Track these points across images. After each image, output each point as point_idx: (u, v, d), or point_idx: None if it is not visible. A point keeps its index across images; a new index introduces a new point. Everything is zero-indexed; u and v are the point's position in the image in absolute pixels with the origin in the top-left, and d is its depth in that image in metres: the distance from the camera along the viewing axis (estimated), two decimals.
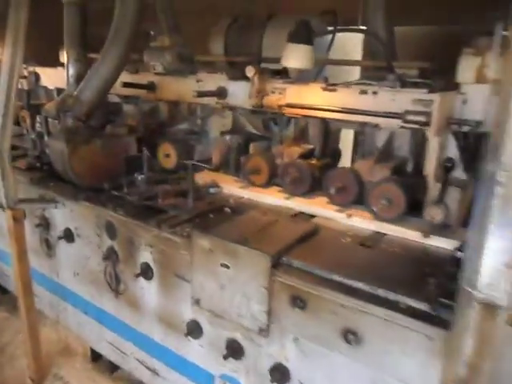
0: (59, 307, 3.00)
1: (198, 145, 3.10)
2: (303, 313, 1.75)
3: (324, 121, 2.57)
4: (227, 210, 2.35)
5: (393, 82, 2.16)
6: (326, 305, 1.69)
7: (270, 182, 2.62)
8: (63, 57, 3.93)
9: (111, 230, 2.39)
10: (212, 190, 2.61)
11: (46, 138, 3.18)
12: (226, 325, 1.99)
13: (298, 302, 1.75)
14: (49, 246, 2.91)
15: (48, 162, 2.99)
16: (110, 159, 2.79)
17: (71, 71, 3.27)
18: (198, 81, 2.93)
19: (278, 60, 2.73)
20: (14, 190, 2.47)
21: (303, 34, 2.44)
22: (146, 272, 2.27)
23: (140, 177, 2.44)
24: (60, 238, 2.68)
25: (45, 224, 2.86)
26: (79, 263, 2.71)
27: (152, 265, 2.24)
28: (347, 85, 2.34)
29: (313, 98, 2.44)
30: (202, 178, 2.73)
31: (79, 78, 3.25)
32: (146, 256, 2.26)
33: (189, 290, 2.09)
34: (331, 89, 2.34)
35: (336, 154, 2.83)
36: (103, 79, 2.65)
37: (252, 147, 2.81)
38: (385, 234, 2.11)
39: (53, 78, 4.07)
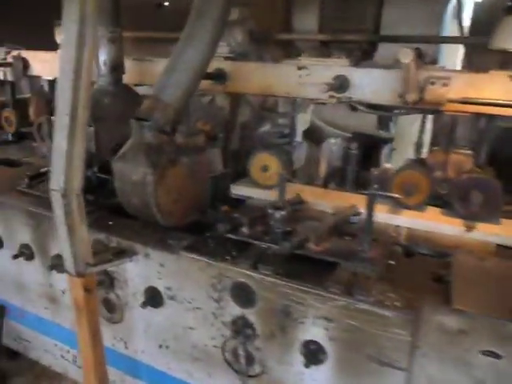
0: None
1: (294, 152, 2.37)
2: None
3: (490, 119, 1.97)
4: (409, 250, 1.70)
5: None
6: None
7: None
8: (60, 36, 2.99)
9: (244, 295, 1.64)
10: (355, 219, 1.93)
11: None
12: None
13: None
14: (112, 309, 2.07)
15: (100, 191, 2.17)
16: (195, 182, 1.99)
17: (103, 57, 2.35)
18: (300, 68, 2.17)
19: (407, 38, 2.08)
20: (88, 250, 1.61)
21: None
22: (314, 354, 1.56)
23: (279, 213, 1.68)
24: (145, 303, 1.86)
25: (107, 280, 2.01)
26: (171, 333, 1.92)
27: (325, 344, 1.54)
28: None
29: (493, 90, 1.82)
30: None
31: (115, 66, 2.37)
32: (314, 333, 1.55)
33: (397, 380, 1.44)
34: None
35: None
36: (192, 71, 1.81)
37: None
38: None
39: (50, 65, 3.04)
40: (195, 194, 1.98)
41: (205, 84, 2.44)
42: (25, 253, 2.24)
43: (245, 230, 1.75)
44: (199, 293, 1.76)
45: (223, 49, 2.48)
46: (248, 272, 1.60)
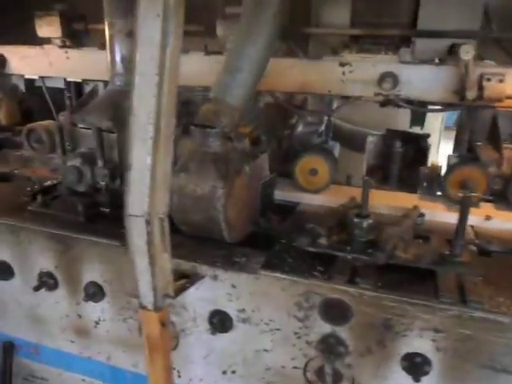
0: None
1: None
2: None
3: None
4: None
5: None
6: None
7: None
8: (43, 29, 2.65)
9: (337, 312, 1.52)
10: (419, 221, 1.88)
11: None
12: None
13: None
14: None
15: None
16: (251, 191, 1.82)
17: (120, 52, 2.08)
18: (342, 64, 2.07)
19: (446, 33, 2.07)
20: (169, 280, 1.39)
21: None
22: (418, 366, 1.49)
23: (366, 222, 1.57)
24: (210, 328, 1.67)
25: None
26: (239, 358, 1.76)
27: (431, 355, 1.48)
28: None
29: None
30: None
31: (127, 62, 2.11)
32: (418, 345, 1.47)
33: None
34: None
35: None
36: (256, 69, 1.64)
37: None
38: None
39: (33, 61, 2.67)
40: (251, 203, 1.82)
41: None
42: (46, 282, 1.95)
43: (323, 241, 1.63)
44: (280, 313, 1.61)
45: None
46: (344, 287, 1.49)
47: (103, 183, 2.03)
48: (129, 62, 2.09)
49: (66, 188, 2.11)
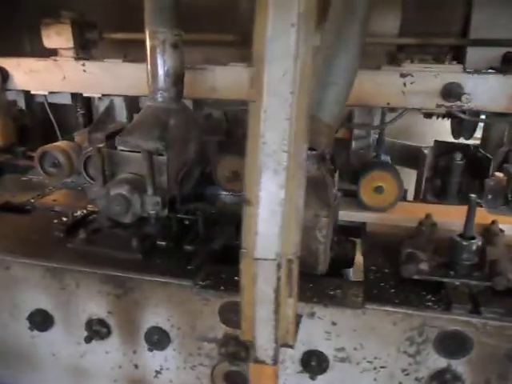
0: None
1: None
2: None
3: None
4: None
5: None
6: None
7: None
8: (51, 39, 2.38)
9: (453, 345, 1.39)
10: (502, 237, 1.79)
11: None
12: None
13: None
14: None
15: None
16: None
17: (165, 65, 1.87)
18: (403, 75, 1.97)
19: (501, 42, 2.04)
20: (292, 329, 1.19)
21: None
22: None
23: (476, 243, 1.44)
24: (308, 368, 1.49)
25: (241, 351, 1.58)
26: None
27: None
28: None
29: None
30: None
31: (179, 76, 1.91)
32: None
33: None
34: None
35: None
36: (349, 81, 1.48)
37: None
38: None
39: (44, 76, 2.37)
40: None
41: None
42: (98, 331, 1.68)
43: (424, 266, 1.51)
44: (387, 349, 1.46)
45: None
46: (466, 318, 1.37)
47: (153, 212, 1.80)
48: (175, 76, 1.89)
49: (107, 219, 1.86)
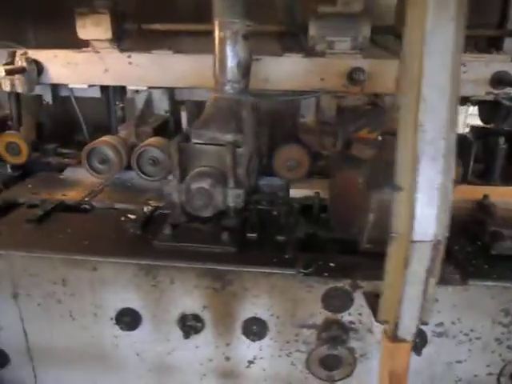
0: None
1: None
2: None
3: None
4: None
5: None
6: None
7: None
8: (87, 30, 2.29)
9: None
10: None
11: None
12: None
13: None
14: (335, 366, 1.69)
15: None
16: None
17: (236, 57, 1.86)
18: None
19: None
20: (430, 308, 1.25)
21: None
22: None
23: None
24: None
25: (341, 334, 1.63)
26: (425, 375, 1.68)
27: None
28: None
29: None
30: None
31: (247, 67, 1.91)
32: None
33: None
34: None
35: None
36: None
37: None
38: None
39: (84, 68, 2.26)
40: None
41: (336, 85, 2.17)
42: (193, 326, 1.67)
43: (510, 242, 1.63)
44: (483, 322, 1.58)
45: (343, 44, 2.22)
46: None
47: (233, 205, 1.80)
48: (245, 68, 1.88)
49: (183, 214, 1.83)
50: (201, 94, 2.47)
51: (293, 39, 2.63)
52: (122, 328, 1.70)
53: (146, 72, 2.24)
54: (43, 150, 2.52)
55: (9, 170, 2.44)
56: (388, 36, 2.43)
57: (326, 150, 2.23)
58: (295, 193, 2.19)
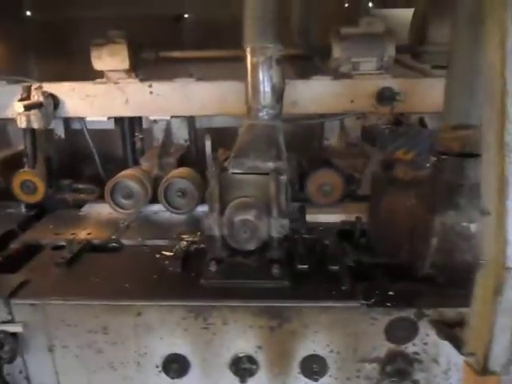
0: None
1: None
2: None
3: None
4: None
5: None
6: None
7: None
8: (103, 60, 2.23)
9: None
10: None
11: None
12: None
13: None
14: None
15: None
16: None
17: (270, 81, 1.80)
18: None
19: None
20: None
21: None
22: None
23: None
24: None
25: (406, 367, 1.54)
26: None
27: None
28: None
29: None
30: None
31: (281, 92, 1.86)
32: None
33: None
34: None
35: None
36: None
37: None
38: None
39: (104, 100, 2.18)
40: None
41: (366, 106, 2.15)
42: (248, 369, 1.55)
43: None
44: None
45: (368, 65, 2.20)
46: None
47: (276, 236, 1.72)
48: (279, 93, 1.83)
49: (224, 248, 1.73)
50: (220, 121, 2.43)
51: (306, 62, 2.62)
52: (169, 376, 1.58)
53: (168, 101, 2.18)
54: (57, 187, 2.40)
55: (23, 210, 2.31)
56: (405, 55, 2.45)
57: (358, 172, 2.19)
58: (327, 218, 2.13)
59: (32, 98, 2.08)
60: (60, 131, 2.42)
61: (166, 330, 1.55)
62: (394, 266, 1.72)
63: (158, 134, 2.40)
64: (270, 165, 1.72)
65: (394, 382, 1.57)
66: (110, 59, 2.21)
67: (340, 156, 2.21)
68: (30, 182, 2.21)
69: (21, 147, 2.43)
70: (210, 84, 2.16)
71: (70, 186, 2.41)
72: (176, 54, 2.39)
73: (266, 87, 1.80)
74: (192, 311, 1.52)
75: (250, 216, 1.66)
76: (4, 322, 1.55)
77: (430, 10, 2.29)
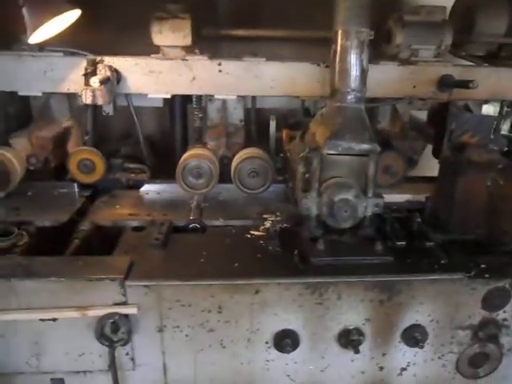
0: None
1: None
2: None
3: None
4: None
5: None
6: None
7: None
8: (164, 35, 2.16)
9: None
10: None
11: None
12: None
13: None
14: (479, 364, 1.75)
15: None
16: None
17: (360, 65, 1.84)
18: None
19: None
20: None
21: None
22: None
23: None
24: None
25: (493, 330, 1.69)
26: None
27: None
28: None
29: None
30: None
31: (366, 75, 1.92)
32: None
33: None
34: None
35: None
36: None
37: None
38: None
39: (169, 77, 2.09)
40: None
41: (427, 92, 2.25)
42: (356, 340, 1.63)
43: None
44: None
45: (427, 52, 2.29)
46: None
47: (369, 215, 1.80)
48: (366, 76, 1.88)
49: (319, 227, 1.78)
50: (270, 102, 2.44)
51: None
52: (283, 351, 1.62)
53: (237, 80, 2.14)
54: (109, 166, 2.30)
55: (76, 190, 2.19)
56: None
57: (417, 154, 2.30)
58: (391, 198, 2.23)
59: (98, 72, 1.96)
60: (109, 108, 2.30)
61: (281, 307, 1.59)
62: (471, 241, 1.87)
63: (213, 113, 2.36)
64: (365, 146, 1.78)
65: (482, 347, 1.73)
66: (173, 35, 2.12)
67: (399, 138, 2.30)
68: (89, 161, 2.10)
69: (65, 124, 2.30)
70: (280, 64, 2.14)
71: (121, 165, 2.32)
72: (239, 31, 2.34)
73: (356, 71, 1.84)
74: (309, 287, 1.57)
75: (350, 196, 1.72)
76: (117, 304, 1.51)
77: (477, 2, 2.42)
